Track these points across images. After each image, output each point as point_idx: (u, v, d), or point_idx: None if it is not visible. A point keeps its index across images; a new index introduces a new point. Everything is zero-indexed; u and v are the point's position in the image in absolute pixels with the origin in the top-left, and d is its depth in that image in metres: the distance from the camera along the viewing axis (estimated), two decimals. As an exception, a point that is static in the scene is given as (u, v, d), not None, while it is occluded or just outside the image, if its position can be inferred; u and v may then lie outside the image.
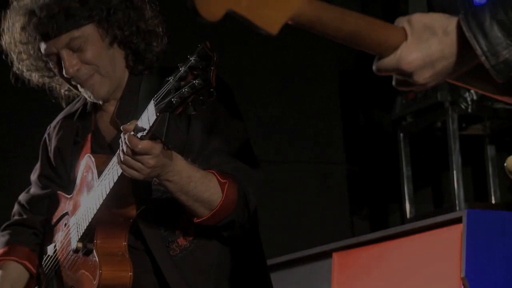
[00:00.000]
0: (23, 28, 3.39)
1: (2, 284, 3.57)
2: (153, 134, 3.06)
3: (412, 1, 5.24)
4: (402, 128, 5.69)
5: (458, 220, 4.53)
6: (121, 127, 3.17)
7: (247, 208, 3.33)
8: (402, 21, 2.16)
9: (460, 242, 4.48)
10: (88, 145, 3.50)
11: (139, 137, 3.06)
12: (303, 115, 5.91)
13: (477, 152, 5.72)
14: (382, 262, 4.79)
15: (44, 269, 3.64)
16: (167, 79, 2.96)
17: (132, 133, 3.05)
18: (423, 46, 2.15)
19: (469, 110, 5.42)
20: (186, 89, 2.87)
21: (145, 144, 3.04)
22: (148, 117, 3.00)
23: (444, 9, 4.85)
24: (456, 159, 5.39)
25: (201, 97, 2.88)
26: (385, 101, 5.86)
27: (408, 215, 5.63)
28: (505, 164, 2.32)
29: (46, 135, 3.70)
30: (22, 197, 3.73)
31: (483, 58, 2.09)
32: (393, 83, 2.22)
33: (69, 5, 3.30)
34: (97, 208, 3.28)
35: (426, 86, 2.19)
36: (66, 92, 3.59)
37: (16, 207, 3.74)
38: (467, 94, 5.41)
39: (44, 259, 3.63)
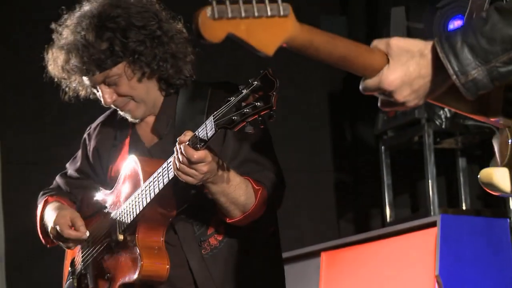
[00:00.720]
0: (66, 62, 3.36)
1: (62, 208, 3.53)
2: (208, 144, 3.04)
3: (393, 28, 5.30)
4: (384, 141, 5.69)
5: (432, 224, 4.59)
6: (177, 139, 3.16)
7: (274, 214, 3.35)
8: (381, 44, 2.16)
9: (434, 243, 4.52)
10: (125, 148, 3.50)
11: (194, 147, 3.03)
12: (297, 129, 5.88)
13: (450, 163, 5.71)
14: (365, 261, 4.82)
15: (81, 254, 3.61)
16: (228, 98, 2.92)
17: (188, 143, 3.03)
18: (402, 67, 2.13)
19: (443, 126, 5.41)
20: (248, 109, 2.84)
21: (200, 154, 3.03)
22: (206, 131, 2.99)
23: (423, 37, 4.91)
24: (431, 170, 5.40)
25: (260, 118, 2.86)
26: (369, 118, 5.85)
27: (388, 219, 5.61)
28: (478, 176, 2.27)
29: (86, 135, 3.69)
30: (59, 179, 3.72)
31: (454, 77, 2.08)
32: (379, 104, 2.21)
33: (103, 50, 3.28)
34: (143, 206, 3.27)
35: (406, 106, 2.16)
36: (106, 118, 3.62)
37: (54, 183, 3.73)
38: (441, 112, 5.38)
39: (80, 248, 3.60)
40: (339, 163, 6.09)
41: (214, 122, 2.94)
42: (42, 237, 3.59)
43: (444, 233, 4.53)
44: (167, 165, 3.18)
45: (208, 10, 2.00)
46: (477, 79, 2.08)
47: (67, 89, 3.47)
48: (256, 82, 2.83)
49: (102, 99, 3.38)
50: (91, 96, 3.48)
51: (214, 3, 2.01)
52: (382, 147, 5.69)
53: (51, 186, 3.72)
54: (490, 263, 4.67)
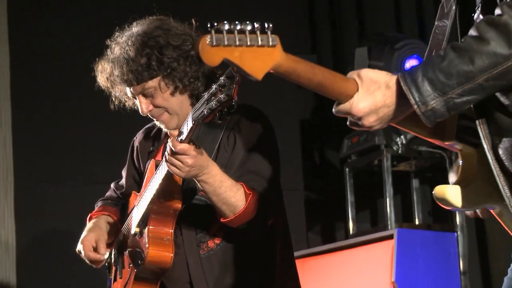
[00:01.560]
0: (109, 75, 3.37)
1: (92, 230, 3.51)
2: (190, 139, 3.03)
3: (357, 66, 5.27)
4: (348, 164, 5.67)
5: (390, 237, 4.64)
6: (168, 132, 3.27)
7: (264, 219, 3.27)
8: (353, 75, 2.15)
9: (391, 253, 4.56)
10: (159, 154, 3.47)
11: (178, 140, 3.02)
12: None
13: (405, 184, 5.70)
14: (331, 268, 4.85)
15: (117, 241, 3.60)
16: (202, 94, 2.95)
17: (175, 137, 3.05)
18: (370, 97, 2.13)
19: (399, 152, 5.40)
20: (214, 102, 2.85)
21: (182, 146, 3.01)
22: (187, 124, 2.99)
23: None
24: (388, 189, 5.39)
25: (225, 109, 2.88)
26: (335, 144, 5.85)
27: (351, 232, 5.61)
28: (433, 192, 2.29)
29: (133, 142, 3.67)
30: (114, 184, 3.71)
31: (415, 107, 2.08)
32: (348, 123, 2.20)
33: (142, 64, 3.29)
34: (150, 200, 3.26)
35: (371, 128, 2.17)
36: (150, 127, 3.60)
37: (109, 192, 3.71)
38: (398, 139, 5.39)
39: (119, 236, 3.60)
40: (309, 183, 6.06)
41: (192, 115, 2.96)
42: None
43: (399, 245, 4.59)
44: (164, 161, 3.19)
45: (207, 38, 2.01)
46: (436, 109, 2.08)
47: (113, 98, 3.47)
48: (222, 78, 2.84)
49: (141, 110, 3.38)
50: (135, 107, 3.47)
51: (212, 32, 2.02)
52: (346, 169, 5.67)
53: (107, 194, 3.72)
54: (439, 271, 4.73)
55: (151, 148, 3.57)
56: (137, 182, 3.60)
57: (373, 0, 6.08)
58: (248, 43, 2.05)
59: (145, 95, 3.36)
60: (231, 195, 3.18)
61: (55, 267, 5.07)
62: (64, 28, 5.57)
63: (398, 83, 2.12)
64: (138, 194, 3.50)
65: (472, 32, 2.09)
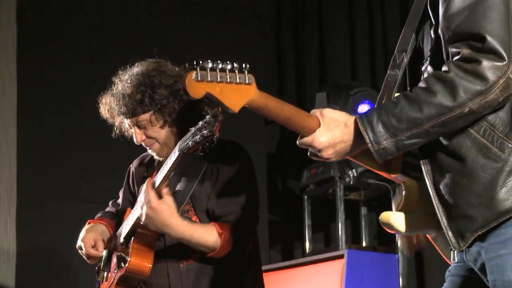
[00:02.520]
0: (109, 108, 3.38)
1: (91, 231, 3.49)
2: (158, 193, 3.06)
3: (317, 106, 5.26)
4: (306, 192, 5.66)
5: (341, 256, 4.66)
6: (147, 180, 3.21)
7: (243, 247, 3.25)
8: (316, 112, 2.15)
9: (342, 271, 4.58)
10: (152, 179, 3.39)
11: (152, 185, 3.08)
12: None
13: (355, 211, 5.69)
14: (289, 283, 4.84)
15: (108, 251, 3.56)
16: (190, 128, 2.94)
17: (152, 184, 3.09)
18: (330, 133, 2.13)
19: (351, 183, 5.40)
20: (198, 136, 2.86)
21: (150, 190, 3.09)
22: (174, 154, 3.02)
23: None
24: (340, 215, 5.39)
25: (207, 143, 2.87)
26: (296, 174, 5.84)
27: (307, 251, 5.59)
28: (379, 218, 2.25)
29: (129, 168, 3.63)
30: (111, 202, 3.68)
31: (369, 145, 2.09)
32: (308, 154, 2.20)
33: (136, 100, 3.29)
34: (137, 217, 3.25)
35: (328, 160, 2.17)
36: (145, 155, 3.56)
37: (108, 208, 3.67)
38: (350, 172, 5.38)
39: (110, 245, 3.55)
40: (272, 207, 6.01)
41: (178, 147, 2.97)
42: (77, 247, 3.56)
43: (349, 263, 4.61)
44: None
45: (193, 74, 2.03)
46: (387, 148, 2.09)
47: (115, 128, 3.46)
48: (208, 117, 2.85)
49: (135, 139, 3.38)
50: (128, 135, 3.47)
51: (198, 68, 2.03)
52: (305, 197, 5.66)
53: (106, 209, 3.69)
54: (385, 284, 4.74)
55: (145, 174, 3.53)
56: (131, 203, 3.54)
57: (332, 52, 6.08)
58: (228, 80, 2.06)
59: (139, 127, 3.35)
60: (204, 240, 3.17)
61: (53, 276, 5.01)
62: (71, 46, 5.46)
63: (355, 123, 2.12)
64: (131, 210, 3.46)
65: (422, 84, 2.09)
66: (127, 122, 3.39)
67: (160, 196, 3.15)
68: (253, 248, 3.36)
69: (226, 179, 3.29)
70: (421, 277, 5.30)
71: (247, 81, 2.07)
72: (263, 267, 4.92)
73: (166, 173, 3.11)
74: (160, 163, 3.39)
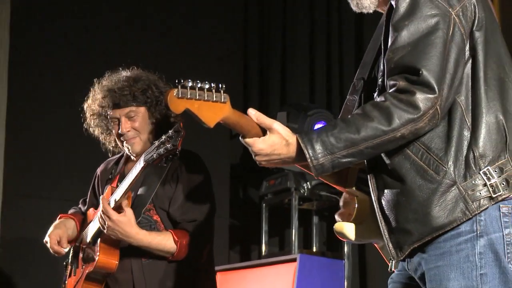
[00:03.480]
0: (103, 98, 3.32)
1: (58, 227, 3.47)
2: (119, 205, 3.06)
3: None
4: (265, 201, 5.64)
5: (293, 260, 4.66)
6: (100, 197, 3.21)
7: (199, 254, 3.27)
8: (267, 121, 2.15)
9: (294, 273, 4.57)
10: (114, 183, 3.40)
11: (111, 205, 3.08)
12: None
13: (307, 219, 5.68)
14: (246, 282, 4.83)
15: (75, 247, 3.54)
16: (154, 142, 2.94)
17: (109, 200, 3.10)
18: (269, 145, 2.13)
19: (305, 194, 5.39)
20: (162, 150, 2.85)
21: (107, 208, 3.10)
22: (139, 164, 3.00)
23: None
24: (294, 223, 5.38)
25: (170, 156, 2.87)
26: (256, 184, 5.82)
27: (263, 253, 5.58)
28: (334, 227, 2.27)
29: (96, 171, 3.60)
30: (82, 200, 3.64)
31: (309, 160, 2.08)
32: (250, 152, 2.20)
33: (135, 91, 3.27)
34: (97, 228, 3.25)
35: (260, 164, 2.18)
36: (111, 148, 3.50)
37: (80, 204, 3.64)
38: (304, 184, 5.37)
39: (77, 242, 3.54)
40: (233, 212, 6.00)
41: (143, 158, 2.96)
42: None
43: (300, 266, 4.60)
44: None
45: (174, 91, 2.06)
46: (324, 164, 2.09)
47: (91, 127, 3.42)
48: (170, 131, 2.85)
49: (120, 129, 3.31)
50: (101, 139, 3.44)
51: (179, 87, 2.06)
52: (263, 204, 5.64)
53: (79, 206, 3.65)
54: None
55: (109, 176, 3.50)
56: (94, 204, 3.52)
57: (293, 76, 6.08)
58: (206, 98, 2.09)
59: (129, 117, 3.30)
60: (161, 247, 3.18)
61: (31, 265, 4.95)
62: (61, 46, 5.38)
63: (298, 140, 2.12)
64: (96, 210, 3.43)
65: (358, 111, 2.10)
66: (112, 113, 3.33)
67: (120, 207, 3.15)
68: (209, 251, 3.36)
69: (186, 187, 3.29)
70: (363, 281, 5.29)
71: (222, 100, 2.10)
72: (223, 267, 5.06)
73: (130, 184, 3.09)
74: (122, 171, 3.41)
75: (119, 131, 3.32)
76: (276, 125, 2.16)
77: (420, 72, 2.04)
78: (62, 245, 3.41)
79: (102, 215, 3.13)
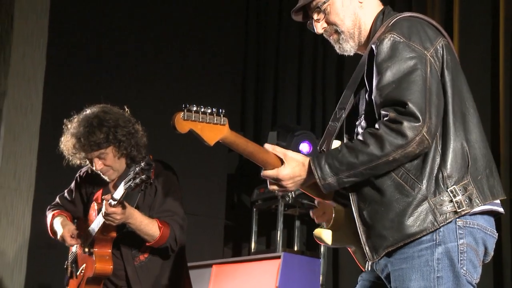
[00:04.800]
0: (73, 145, 3.33)
1: (66, 224, 3.46)
2: (119, 202, 3.06)
3: (269, 142, 5.26)
4: (255, 206, 5.63)
5: (278, 257, 4.63)
6: (102, 197, 3.19)
7: (175, 242, 3.29)
8: (279, 151, 2.16)
9: (278, 268, 4.55)
10: (99, 195, 3.42)
11: (112, 205, 3.07)
12: (206, 194, 5.75)
13: (291, 223, 5.67)
14: (237, 274, 4.81)
15: (70, 256, 3.55)
16: (130, 172, 2.96)
17: (109, 201, 3.08)
18: (292, 169, 2.13)
19: (290, 202, 5.38)
20: (138, 180, 2.90)
21: (113, 209, 3.08)
22: (119, 191, 3.03)
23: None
24: (280, 225, 5.37)
25: (145, 184, 2.93)
26: (248, 192, 5.81)
27: (252, 250, 5.57)
28: (313, 232, 2.27)
29: (78, 174, 3.58)
30: (59, 199, 3.62)
31: (318, 180, 2.10)
32: (268, 186, 2.19)
33: (101, 137, 3.27)
34: (96, 232, 3.27)
35: (287, 190, 2.17)
36: (90, 171, 3.50)
37: (56, 201, 3.61)
38: (289, 194, 5.33)
39: (72, 250, 3.54)
40: (228, 215, 5.98)
41: (124, 185, 2.97)
42: (52, 234, 3.53)
43: (283, 262, 4.59)
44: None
45: (181, 114, 2.06)
46: (331, 183, 2.10)
47: (70, 159, 3.42)
48: (143, 163, 2.91)
49: (94, 167, 3.33)
50: (82, 163, 3.45)
51: (185, 110, 2.06)
52: (254, 209, 5.63)
53: (53, 203, 3.62)
54: (307, 283, 4.73)
55: (92, 189, 3.49)
56: (72, 208, 3.53)
57: (283, 101, 6.10)
58: (207, 121, 2.08)
59: (99, 158, 3.32)
60: (148, 229, 3.21)
61: (56, 250, 4.94)
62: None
63: (309, 163, 2.13)
64: (86, 220, 3.44)
65: (359, 137, 2.12)
66: (85, 155, 3.34)
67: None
68: (183, 247, 3.39)
69: (162, 193, 3.31)
70: (336, 277, 5.29)
71: (222, 123, 2.10)
72: (218, 260, 5.07)
73: (121, 199, 3.10)
74: (103, 187, 3.41)
75: (94, 169, 3.36)
76: (290, 152, 2.17)
77: (407, 105, 2.05)
78: (76, 238, 3.41)
79: (111, 216, 3.11)
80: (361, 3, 2.29)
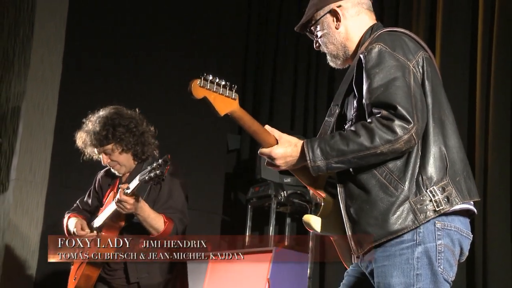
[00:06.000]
0: (85, 139, 3.41)
1: (77, 218, 3.47)
2: (133, 192, 3.09)
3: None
4: (251, 203, 5.63)
5: (270, 251, 4.67)
6: (119, 185, 3.25)
7: (177, 235, 3.30)
8: (276, 133, 2.16)
9: (269, 261, 4.58)
10: (114, 188, 3.45)
11: (126, 193, 3.10)
12: (206, 191, 5.72)
13: (282, 220, 5.69)
14: (233, 265, 4.83)
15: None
16: (147, 166, 3.00)
17: (124, 190, 3.11)
18: (284, 148, 2.13)
19: (282, 200, 5.40)
20: (152, 175, 2.93)
21: (125, 198, 3.11)
22: (134, 183, 3.05)
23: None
24: (272, 221, 5.38)
25: (157, 179, 2.94)
26: (244, 190, 5.82)
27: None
28: (302, 218, 2.23)
29: (97, 176, 3.64)
30: (80, 200, 3.66)
31: (308, 162, 2.10)
32: (265, 163, 2.20)
33: (103, 135, 3.35)
34: (106, 218, 3.30)
35: (280, 168, 2.16)
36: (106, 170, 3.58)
37: (76, 204, 3.65)
38: (282, 193, 5.37)
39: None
40: (226, 211, 5.98)
41: (139, 178, 3.01)
42: (67, 234, 3.53)
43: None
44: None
45: (198, 80, 2.06)
46: (320, 166, 2.10)
47: (85, 153, 3.49)
48: (161, 160, 2.92)
49: (102, 161, 3.43)
50: (94, 158, 3.51)
51: (202, 78, 2.06)
52: (249, 206, 5.65)
53: (73, 207, 3.66)
54: (297, 275, 4.74)
55: (110, 182, 3.55)
56: (95, 204, 3.56)
57: (278, 107, 6.11)
58: (220, 92, 2.08)
59: (105, 153, 3.41)
60: (154, 222, 3.24)
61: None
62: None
63: (302, 145, 2.14)
64: (99, 212, 3.49)
65: (352, 127, 2.12)
66: (96, 150, 3.44)
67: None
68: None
69: (167, 189, 3.34)
70: (322, 271, 5.32)
71: (233, 96, 2.10)
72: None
73: (135, 191, 3.12)
74: (120, 178, 3.45)
75: (102, 163, 3.45)
76: (286, 135, 2.19)
77: (396, 108, 2.06)
78: (84, 229, 3.44)
79: (123, 203, 3.14)
80: (343, 25, 2.32)
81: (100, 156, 3.43)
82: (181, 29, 5.82)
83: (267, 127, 2.18)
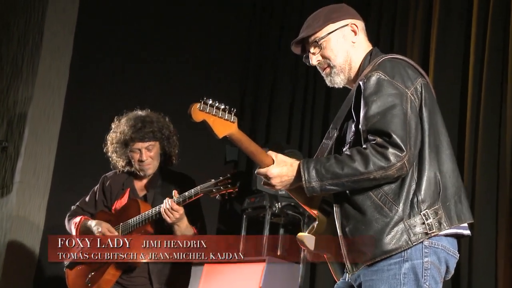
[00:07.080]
0: (128, 132, 3.35)
1: (100, 221, 3.42)
2: (184, 202, 3.10)
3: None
4: (246, 214, 5.60)
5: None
6: (173, 192, 3.18)
7: None
8: (273, 154, 2.17)
9: (263, 270, 4.58)
10: (126, 194, 3.44)
11: (177, 202, 3.09)
12: (202, 201, 5.64)
13: (275, 231, 5.66)
14: (227, 272, 4.80)
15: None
16: (211, 179, 2.98)
17: (174, 199, 3.10)
18: (280, 169, 2.13)
19: (276, 211, 5.37)
20: (222, 187, 2.91)
21: (177, 207, 3.11)
22: (192, 193, 3.04)
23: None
24: (266, 232, 5.34)
25: (226, 193, 2.93)
26: (240, 200, 5.79)
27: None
28: (296, 236, 2.24)
29: (102, 179, 3.60)
30: (81, 203, 3.61)
31: (303, 183, 2.11)
32: (262, 183, 2.20)
33: (154, 130, 3.32)
34: (136, 223, 3.27)
35: (275, 187, 2.17)
36: (119, 167, 3.51)
37: (77, 207, 3.60)
38: (276, 204, 5.36)
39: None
40: (221, 220, 5.97)
41: (200, 189, 2.99)
42: (77, 235, 3.47)
43: (268, 265, 4.61)
44: (158, 208, 3.18)
45: (198, 104, 2.08)
46: (314, 187, 2.11)
47: (110, 149, 3.42)
48: (229, 174, 2.94)
49: (140, 157, 3.35)
50: (115, 157, 3.44)
51: (202, 101, 2.08)
52: (244, 216, 5.62)
53: (74, 210, 3.59)
54: (288, 285, 4.73)
55: (122, 188, 3.50)
56: (100, 206, 3.52)
57: (275, 123, 6.12)
58: (220, 116, 2.10)
59: (147, 149, 3.35)
60: (187, 232, 3.26)
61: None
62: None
63: (298, 166, 2.14)
64: (108, 212, 3.45)
65: (348, 152, 2.12)
66: (135, 145, 3.35)
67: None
68: None
69: (194, 207, 3.34)
70: (313, 280, 5.30)
71: (232, 120, 2.11)
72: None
73: (188, 201, 3.10)
74: (133, 186, 3.40)
75: (140, 158, 3.37)
76: (282, 155, 2.19)
77: (391, 136, 2.07)
78: (113, 232, 3.40)
79: (173, 212, 3.13)
80: (354, 43, 2.32)
81: (140, 151, 3.35)
82: (185, 43, 5.83)
83: (270, 153, 2.17)
